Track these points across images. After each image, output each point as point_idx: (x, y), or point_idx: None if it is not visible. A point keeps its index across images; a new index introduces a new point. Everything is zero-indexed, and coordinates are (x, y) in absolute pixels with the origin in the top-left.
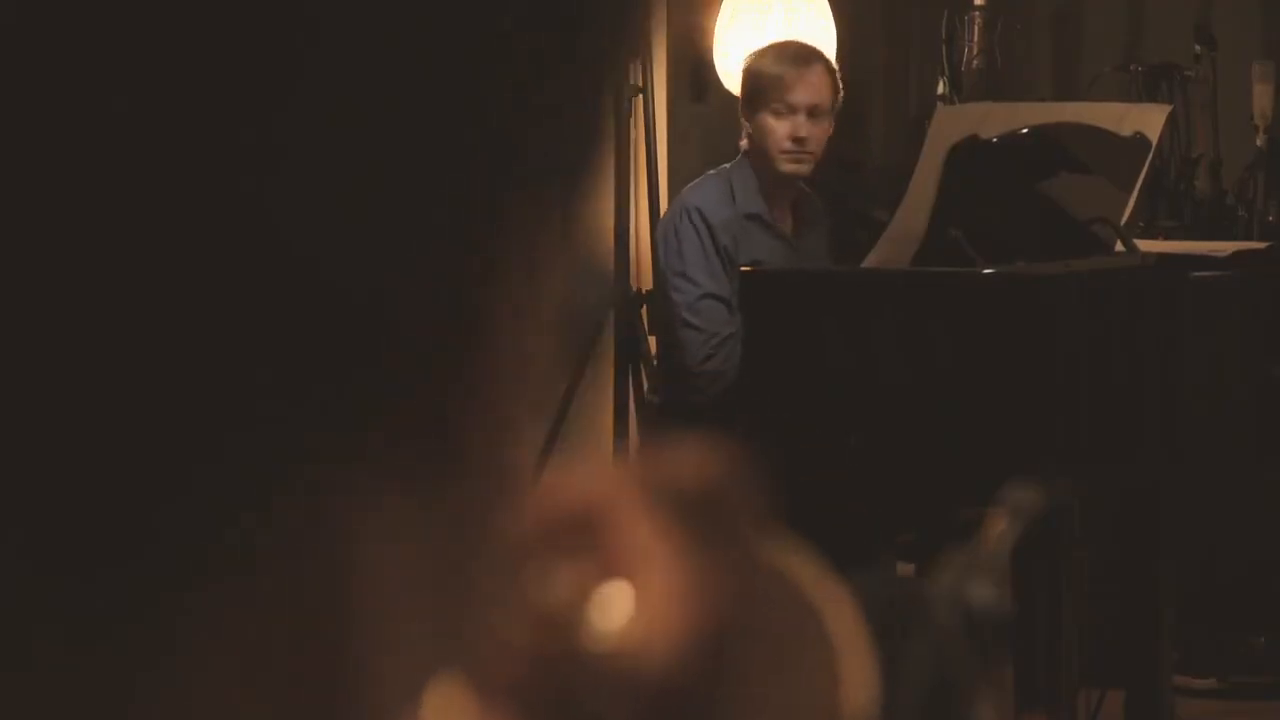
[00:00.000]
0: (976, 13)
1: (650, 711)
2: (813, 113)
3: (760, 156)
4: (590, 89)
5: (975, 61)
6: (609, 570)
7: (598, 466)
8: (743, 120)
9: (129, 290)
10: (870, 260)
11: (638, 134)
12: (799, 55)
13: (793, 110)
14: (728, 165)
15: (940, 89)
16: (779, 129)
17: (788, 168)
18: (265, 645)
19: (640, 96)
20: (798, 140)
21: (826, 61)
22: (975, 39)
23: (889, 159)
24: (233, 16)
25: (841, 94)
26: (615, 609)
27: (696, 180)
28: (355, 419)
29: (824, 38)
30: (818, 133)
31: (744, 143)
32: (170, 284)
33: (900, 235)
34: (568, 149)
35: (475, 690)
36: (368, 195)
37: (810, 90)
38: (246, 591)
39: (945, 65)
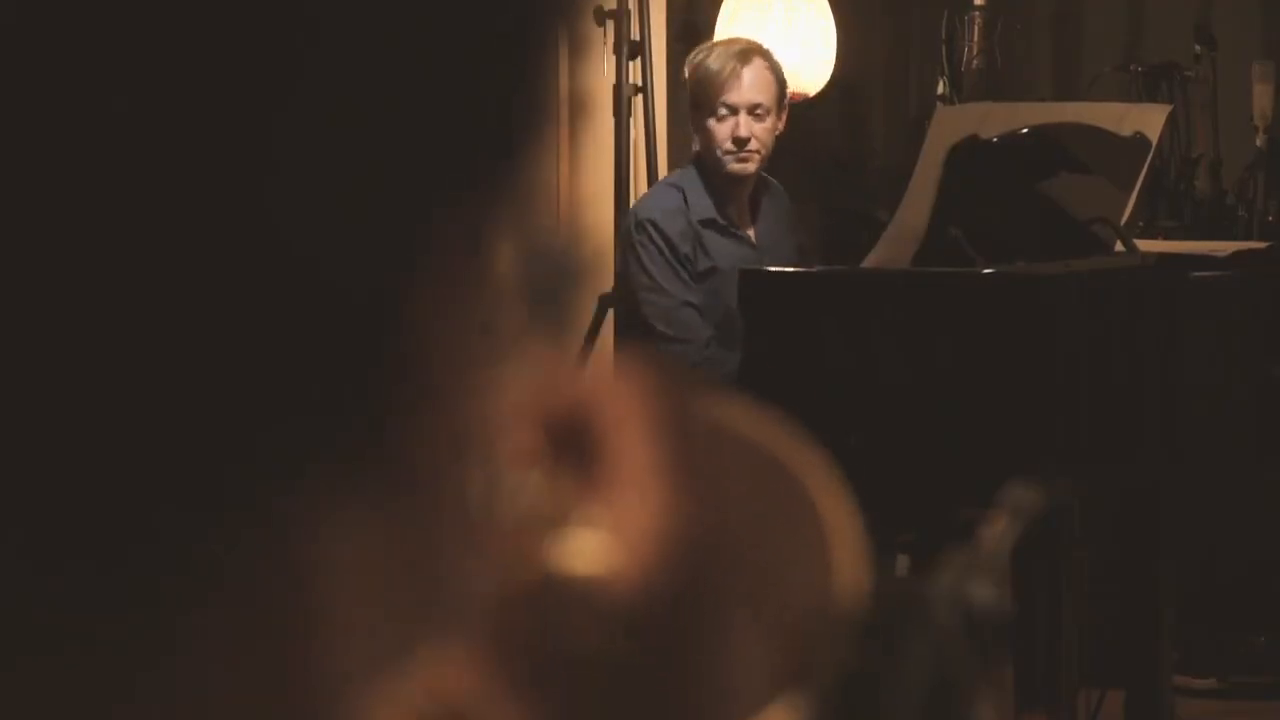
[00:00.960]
0: (976, 13)
1: (627, 641)
2: (753, 111)
3: (709, 160)
4: (588, 90)
5: (975, 61)
6: (588, 484)
7: (578, 372)
8: (691, 125)
9: (128, 291)
10: (870, 260)
11: (638, 134)
12: (735, 54)
13: (733, 110)
14: (681, 171)
15: (940, 89)
16: (720, 130)
17: (734, 167)
18: (265, 645)
19: (640, 96)
20: (738, 140)
21: (766, 57)
22: (975, 39)
23: (889, 159)
24: (233, 16)
25: (787, 87)
26: (586, 548)
27: (649, 190)
28: (356, 419)
29: (824, 38)
30: (760, 130)
31: (696, 147)
32: (170, 284)
33: (900, 235)
34: (566, 149)
35: (451, 649)
36: (368, 195)
37: (748, 89)
38: (247, 591)
39: (945, 65)
